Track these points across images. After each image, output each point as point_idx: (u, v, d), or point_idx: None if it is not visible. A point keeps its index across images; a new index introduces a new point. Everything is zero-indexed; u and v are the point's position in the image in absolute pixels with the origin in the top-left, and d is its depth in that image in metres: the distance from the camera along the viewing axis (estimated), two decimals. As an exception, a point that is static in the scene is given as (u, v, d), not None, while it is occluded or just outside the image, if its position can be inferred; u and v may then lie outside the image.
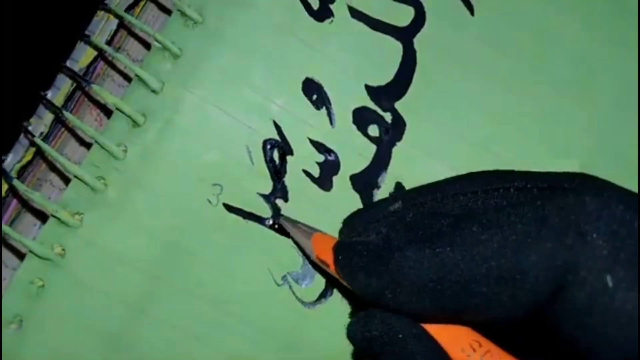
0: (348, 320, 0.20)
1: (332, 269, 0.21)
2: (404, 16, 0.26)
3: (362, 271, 0.19)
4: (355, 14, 0.25)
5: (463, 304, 0.18)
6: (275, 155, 0.25)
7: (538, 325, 0.18)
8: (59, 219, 0.23)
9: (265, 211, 0.24)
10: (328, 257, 0.21)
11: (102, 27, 0.25)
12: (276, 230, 0.24)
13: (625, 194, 0.17)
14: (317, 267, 0.24)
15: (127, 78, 0.25)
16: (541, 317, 0.18)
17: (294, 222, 0.24)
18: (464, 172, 0.25)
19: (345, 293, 0.25)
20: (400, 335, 0.19)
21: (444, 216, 0.19)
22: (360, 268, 0.19)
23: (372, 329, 0.19)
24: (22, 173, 0.25)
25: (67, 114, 0.23)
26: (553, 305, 0.17)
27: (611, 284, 0.16)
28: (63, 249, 0.23)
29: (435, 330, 0.19)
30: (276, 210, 0.24)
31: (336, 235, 0.23)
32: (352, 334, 0.20)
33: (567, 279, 0.17)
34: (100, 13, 0.25)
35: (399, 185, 0.25)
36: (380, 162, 0.25)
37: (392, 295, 0.18)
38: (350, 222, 0.22)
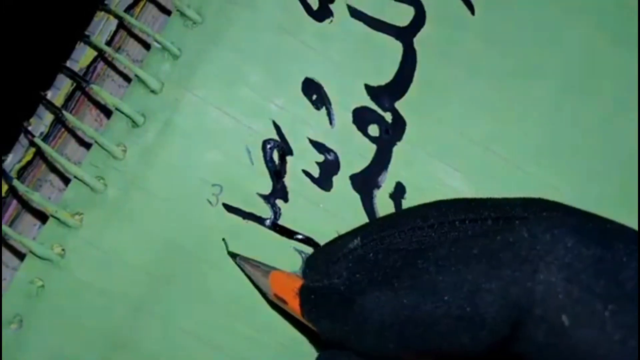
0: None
1: (289, 306, 0.22)
2: (404, 16, 0.26)
3: (327, 317, 0.20)
4: (355, 13, 0.25)
5: (427, 344, 0.18)
6: (275, 155, 0.25)
7: (505, 357, 0.18)
8: (58, 219, 0.23)
9: (265, 211, 0.24)
10: (286, 294, 0.22)
11: (102, 27, 0.25)
12: (276, 231, 0.24)
13: (579, 222, 0.17)
14: (275, 304, 0.24)
15: (127, 78, 0.25)
16: (505, 351, 0.17)
17: (251, 261, 0.24)
18: (464, 171, 0.25)
19: (302, 328, 0.24)
20: None
21: (402, 252, 0.19)
22: (325, 314, 0.20)
23: None
24: (22, 173, 0.25)
25: (67, 115, 0.23)
26: (514, 341, 0.17)
27: (567, 322, 0.16)
28: (63, 249, 0.23)
29: None
30: (276, 211, 0.24)
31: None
32: None
33: (524, 318, 0.16)
34: (100, 13, 0.25)
35: (399, 185, 0.25)
36: (381, 161, 0.25)
37: (357, 340, 0.19)
38: (312, 263, 0.23)
